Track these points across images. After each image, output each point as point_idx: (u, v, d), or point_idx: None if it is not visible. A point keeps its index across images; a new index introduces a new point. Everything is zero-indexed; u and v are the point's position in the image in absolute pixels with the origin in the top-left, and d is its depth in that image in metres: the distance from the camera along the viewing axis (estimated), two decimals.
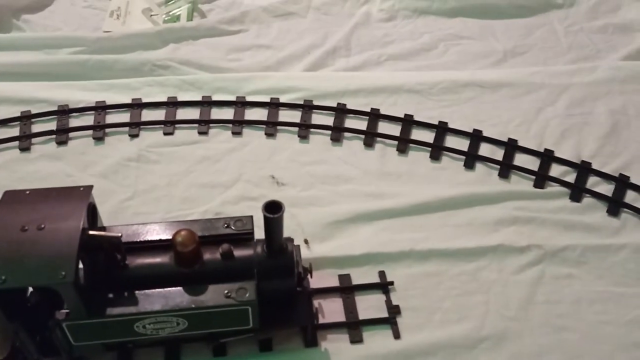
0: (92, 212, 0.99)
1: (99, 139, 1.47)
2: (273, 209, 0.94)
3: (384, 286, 1.22)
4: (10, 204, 0.93)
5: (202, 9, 1.82)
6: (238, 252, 1.02)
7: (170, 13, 1.79)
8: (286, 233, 1.04)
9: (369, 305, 1.19)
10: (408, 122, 1.53)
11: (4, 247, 0.87)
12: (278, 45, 1.73)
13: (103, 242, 0.94)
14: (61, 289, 0.87)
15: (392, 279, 1.23)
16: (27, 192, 0.96)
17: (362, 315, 1.18)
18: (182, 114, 1.53)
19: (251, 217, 1.08)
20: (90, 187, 0.98)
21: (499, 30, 1.79)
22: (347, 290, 1.21)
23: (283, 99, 1.57)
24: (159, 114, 1.53)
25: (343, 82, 1.61)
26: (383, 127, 1.53)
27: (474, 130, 1.49)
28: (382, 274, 1.24)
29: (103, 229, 1.02)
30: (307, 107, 1.56)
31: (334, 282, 1.22)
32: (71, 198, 0.95)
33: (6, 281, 0.85)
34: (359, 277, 1.23)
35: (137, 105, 1.53)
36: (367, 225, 1.32)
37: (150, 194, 1.37)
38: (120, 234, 0.94)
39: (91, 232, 0.93)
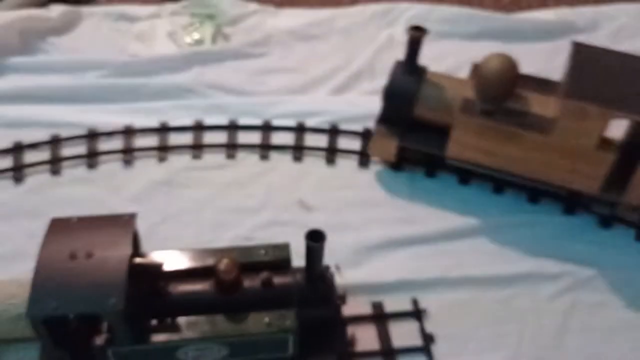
0: (135, 239, 0.99)
1: (128, 163, 1.47)
2: (315, 237, 0.94)
3: (417, 314, 1.22)
4: (58, 231, 0.94)
5: (225, 32, 1.84)
6: (277, 280, 1.02)
7: (195, 36, 1.81)
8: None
9: (403, 333, 1.19)
10: None
11: (55, 275, 0.88)
12: (302, 68, 1.75)
13: (147, 270, 0.94)
14: (110, 316, 0.87)
15: (426, 306, 1.23)
16: (74, 220, 0.97)
17: (396, 343, 1.17)
18: (209, 137, 1.54)
19: (288, 244, 1.08)
20: (134, 215, 0.98)
21: (522, 54, 1.78)
22: (380, 317, 1.20)
23: (309, 122, 1.58)
24: (187, 138, 1.53)
25: (368, 106, 1.61)
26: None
27: None
28: (415, 301, 1.24)
29: (143, 255, 1.02)
30: (334, 132, 1.56)
31: (367, 310, 1.22)
32: (117, 226, 0.96)
33: (58, 308, 0.86)
34: (391, 304, 1.23)
35: (164, 129, 1.54)
36: (398, 251, 1.32)
37: (180, 218, 1.37)
38: (163, 262, 0.94)
39: (136, 260, 0.93)
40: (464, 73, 1.74)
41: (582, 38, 1.85)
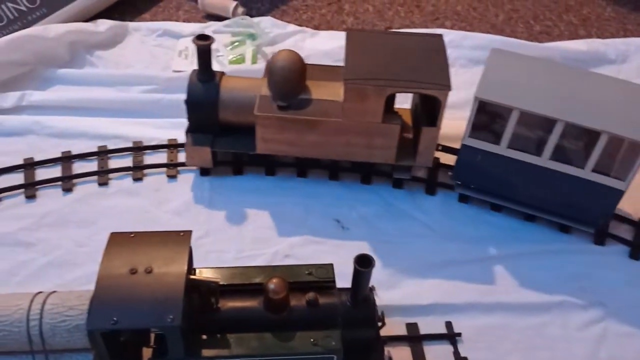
0: (190, 255, 1.03)
1: (172, 177, 1.53)
2: (364, 262, 0.98)
3: (451, 337, 1.25)
4: (117, 246, 0.99)
5: (265, 51, 1.89)
6: (322, 300, 1.06)
7: (236, 55, 1.86)
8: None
9: (437, 356, 1.22)
10: None
11: (116, 289, 0.92)
12: None
13: (202, 286, 0.99)
14: (167, 331, 0.92)
15: (459, 330, 1.26)
16: (132, 235, 1.01)
17: None
18: None
19: (332, 265, 1.12)
20: (190, 232, 1.03)
21: None
22: (415, 339, 1.24)
23: None
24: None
25: None
26: (441, 176, 1.57)
27: None
28: (449, 325, 1.27)
29: (195, 270, 1.07)
30: None
31: (402, 331, 1.25)
32: (173, 242, 1.00)
33: (118, 322, 0.90)
34: (426, 326, 1.26)
35: None
36: (433, 275, 1.35)
37: (222, 233, 1.42)
38: (219, 280, 0.99)
39: (192, 277, 0.97)
40: None
41: (613, 69, 1.90)
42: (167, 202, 1.47)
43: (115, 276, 0.94)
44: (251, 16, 1.97)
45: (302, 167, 1.52)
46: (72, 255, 1.34)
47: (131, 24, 1.92)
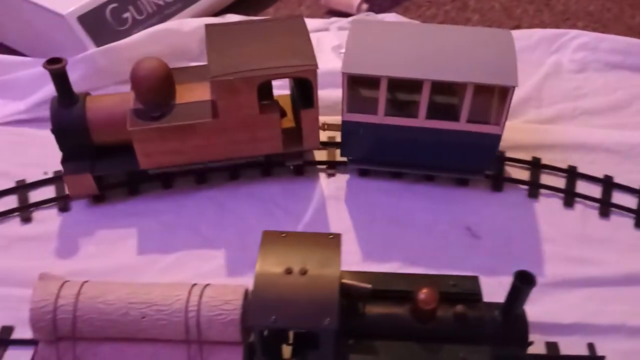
0: None
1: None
2: (524, 279, 0.94)
3: None
4: (270, 245, 1.00)
5: None
6: (470, 314, 1.02)
7: None
8: (487, 292, 1.04)
9: None
10: (608, 184, 1.48)
11: (273, 288, 0.93)
12: None
13: (352, 291, 0.98)
14: (322, 333, 0.92)
15: (602, 352, 1.19)
16: (283, 235, 1.02)
17: None
18: None
19: (477, 277, 1.08)
20: (339, 235, 1.02)
21: None
22: (554, 359, 1.18)
23: None
24: None
25: (537, 135, 1.59)
26: (581, 187, 1.49)
27: None
28: (591, 347, 1.20)
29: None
30: (500, 159, 1.54)
31: (541, 349, 1.19)
32: (324, 244, 1.00)
33: (277, 322, 0.91)
34: (566, 347, 1.20)
35: (330, 144, 1.59)
36: (572, 291, 1.29)
37: (349, 234, 1.41)
38: (370, 286, 0.98)
39: (344, 281, 0.97)
40: (633, 109, 1.68)
41: None
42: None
43: (271, 275, 0.95)
44: (375, 12, 1.95)
45: (201, 174, 1.47)
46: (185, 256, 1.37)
47: (255, 19, 1.95)
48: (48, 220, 1.41)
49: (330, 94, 1.71)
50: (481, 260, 1.34)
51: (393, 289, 1.05)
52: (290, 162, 1.46)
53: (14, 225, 1.40)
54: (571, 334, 1.22)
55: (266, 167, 1.50)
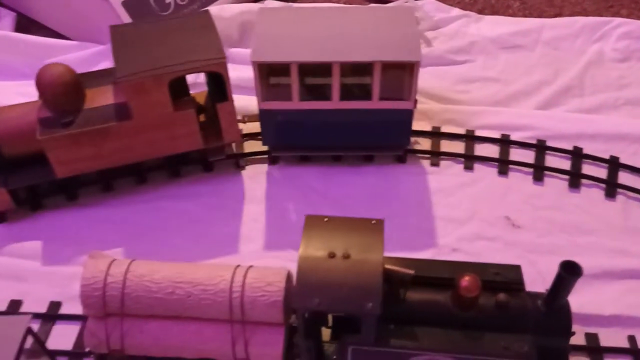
0: None
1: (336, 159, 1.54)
2: (570, 269, 0.93)
3: (635, 353, 1.17)
4: (313, 229, 1.01)
5: (427, 36, 1.85)
6: (512, 302, 1.02)
7: None
8: (526, 281, 1.03)
9: None
10: None
11: (317, 272, 0.94)
12: (506, 79, 1.72)
13: (394, 276, 0.99)
14: (365, 318, 0.93)
15: None
16: (325, 219, 1.03)
17: None
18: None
19: (519, 267, 1.08)
20: (382, 221, 1.03)
21: None
22: (594, 351, 1.18)
23: (514, 136, 1.56)
24: None
25: (579, 124, 1.57)
26: (623, 178, 1.46)
27: None
28: (632, 339, 1.19)
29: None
30: (541, 148, 1.53)
31: (580, 340, 1.19)
32: (366, 229, 1.00)
33: (320, 304, 0.92)
34: (606, 338, 1.19)
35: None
36: (613, 284, 1.27)
37: (389, 221, 1.40)
38: (413, 272, 0.98)
39: (387, 266, 0.98)
40: None
41: None
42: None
43: (315, 259, 0.96)
44: None
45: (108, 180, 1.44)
46: (248, 231, 1.40)
47: (295, 5, 1.95)
48: None
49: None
50: (521, 250, 1.33)
51: (435, 276, 1.05)
52: (212, 157, 1.46)
53: None
54: (611, 325, 1.21)
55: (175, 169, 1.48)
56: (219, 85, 1.36)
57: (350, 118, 1.39)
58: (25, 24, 1.94)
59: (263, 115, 1.41)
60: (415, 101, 1.38)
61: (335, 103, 1.36)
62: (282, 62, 1.30)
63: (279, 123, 1.41)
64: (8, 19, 1.91)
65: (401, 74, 1.36)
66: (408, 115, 1.39)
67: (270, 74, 1.40)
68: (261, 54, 1.31)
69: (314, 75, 1.38)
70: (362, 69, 1.36)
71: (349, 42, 1.31)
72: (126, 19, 1.67)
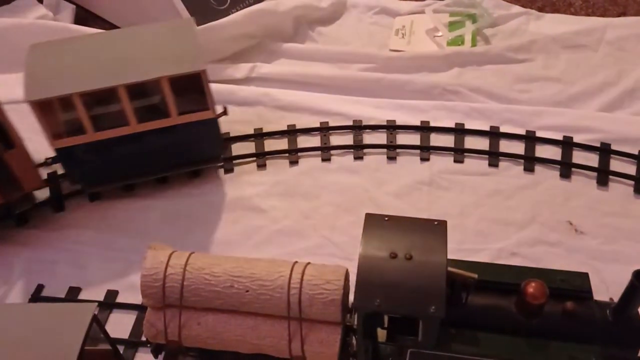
0: None
1: (391, 158, 1.52)
2: None
3: None
4: (373, 228, 0.99)
5: (486, 33, 1.80)
6: (578, 311, 0.98)
7: (454, 36, 1.79)
8: None
9: None
10: None
11: (378, 272, 0.93)
12: (568, 79, 1.66)
13: (457, 279, 0.96)
14: (427, 321, 0.91)
15: None
16: (386, 219, 1.01)
17: None
18: (469, 142, 1.53)
19: (586, 274, 1.03)
20: (445, 222, 1.00)
21: None
22: None
23: (577, 138, 1.50)
24: (447, 140, 1.54)
25: None
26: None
27: None
28: None
29: None
30: (605, 151, 1.47)
31: None
32: (429, 230, 0.98)
33: (381, 305, 0.90)
34: None
35: (426, 129, 1.56)
36: None
37: None
38: (476, 275, 0.95)
39: (450, 269, 0.95)
40: None
41: None
42: (387, 183, 1.47)
43: (376, 258, 0.94)
44: None
45: None
46: (299, 226, 1.39)
47: (349, 1, 1.93)
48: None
49: (428, 79, 1.69)
50: (584, 256, 1.28)
51: (498, 280, 1.02)
52: (19, 209, 1.36)
53: (347, 159, 1.52)
54: None
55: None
56: (1, 131, 1.26)
57: (158, 139, 1.34)
58: (84, 16, 1.98)
59: (61, 154, 1.31)
60: (225, 109, 1.37)
61: (133, 127, 1.30)
62: (61, 95, 1.23)
63: (81, 159, 1.34)
64: (68, 11, 1.95)
65: (195, 85, 1.30)
66: (213, 124, 1.36)
67: (54, 111, 1.30)
68: (36, 91, 1.22)
69: (107, 104, 1.32)
70: (152, 87, 1.31)
71: (132, 64, 1.27)
72: (184, 12, 1.68)
